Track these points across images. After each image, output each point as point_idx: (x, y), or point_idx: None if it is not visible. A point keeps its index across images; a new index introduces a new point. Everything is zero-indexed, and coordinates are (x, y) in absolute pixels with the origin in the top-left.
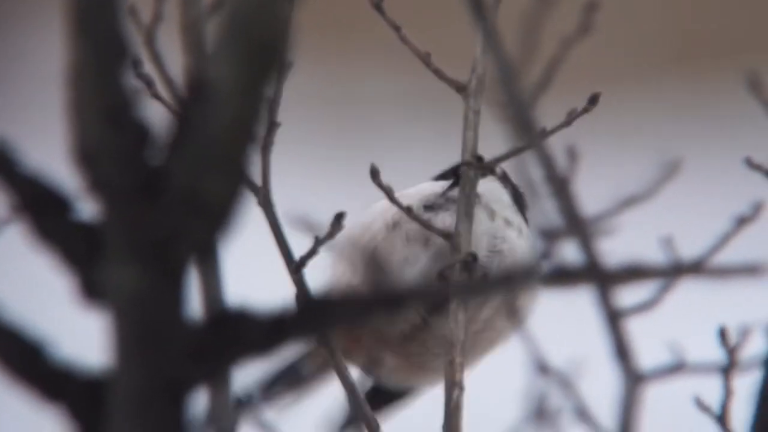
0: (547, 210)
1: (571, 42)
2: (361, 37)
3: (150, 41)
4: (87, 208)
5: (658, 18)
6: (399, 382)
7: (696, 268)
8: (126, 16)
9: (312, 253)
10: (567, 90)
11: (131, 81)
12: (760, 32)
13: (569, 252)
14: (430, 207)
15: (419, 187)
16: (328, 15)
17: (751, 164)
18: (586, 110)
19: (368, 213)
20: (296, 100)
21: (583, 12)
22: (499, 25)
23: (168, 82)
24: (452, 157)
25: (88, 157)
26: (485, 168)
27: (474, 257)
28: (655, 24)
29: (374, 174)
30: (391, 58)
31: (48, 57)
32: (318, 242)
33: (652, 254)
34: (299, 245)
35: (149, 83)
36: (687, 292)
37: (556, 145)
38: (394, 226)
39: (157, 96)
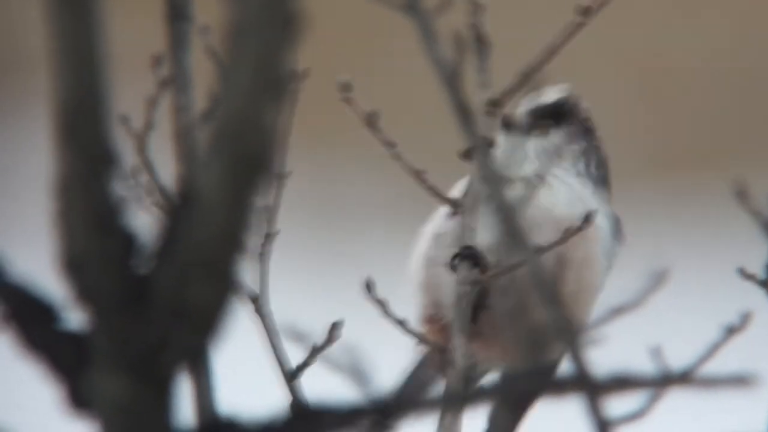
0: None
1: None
2: (356, 145)
3: (141, 149)
4: (74, 317)
5: (650, 126)
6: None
7: (685, 378)
8: (117, 123)
9: (307, 363)
10: None
11: (118, 189)
12: (748, 140)
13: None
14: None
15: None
16: (323, 124)
17: (745, 274)
18: (579, 229)
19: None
20: (291, 209)
21: None
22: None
23: (159, 189)
24: None
25: (75, 265)
26: (480, 271)
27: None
28: (646, 132)
29: (369, 288)
30: (387, 166)
31: (35, 165)
32: (314, 352)
33: (642, 363)
34: (293, 354)
35: (137, 192)
36: (676, 401)
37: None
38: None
39: (144, 204)
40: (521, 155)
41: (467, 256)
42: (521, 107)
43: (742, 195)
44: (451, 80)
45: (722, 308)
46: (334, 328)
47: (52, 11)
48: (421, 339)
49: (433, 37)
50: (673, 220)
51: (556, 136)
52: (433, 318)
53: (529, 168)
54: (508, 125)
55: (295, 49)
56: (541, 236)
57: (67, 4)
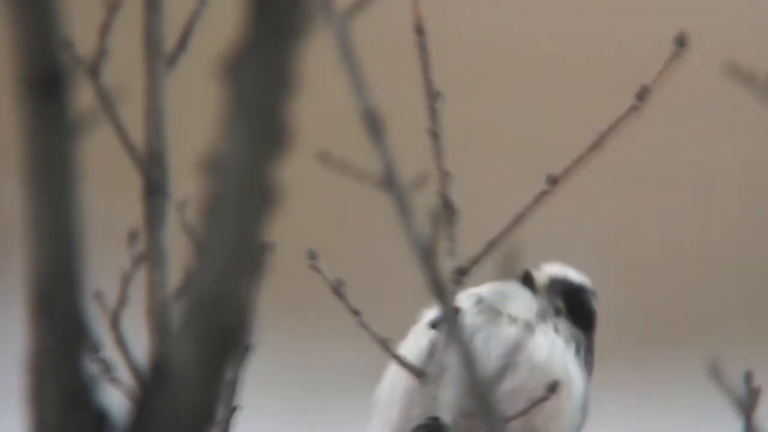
0: None
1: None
2: (322, 315)
3: (115, 325)
4: None
5: (623, 303)
6: None
7: None
8: (91, 299)
9: None
10: None
11: (91, 365)
12: (723, 319)
13: None
14: None
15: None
16: (289, 294)
17: None
18: (545, 398)
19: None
20: (255, 380)
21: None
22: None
23: (131, 365)
24: None
25: None
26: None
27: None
28: (620, 309)
29: None
30: (353, 337)
31: (9, 340)
32: None
33: None
34: None
35: (110, 368)
36: None
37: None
38: None
39: (117, 380)
40: (526, 302)
41: (431, 428)
42: (547, 270)
43: (717, 374)
44: (426, 255)
45: None
46: None
47: (28, 187)
48: None
49: (410, 212)
50: (649, 397)
51: (562, 322)
52: None
53: (525, 313)
54: (528, 281)
55: (270, 223)
56: (518, 380)
57: (44, 181)
